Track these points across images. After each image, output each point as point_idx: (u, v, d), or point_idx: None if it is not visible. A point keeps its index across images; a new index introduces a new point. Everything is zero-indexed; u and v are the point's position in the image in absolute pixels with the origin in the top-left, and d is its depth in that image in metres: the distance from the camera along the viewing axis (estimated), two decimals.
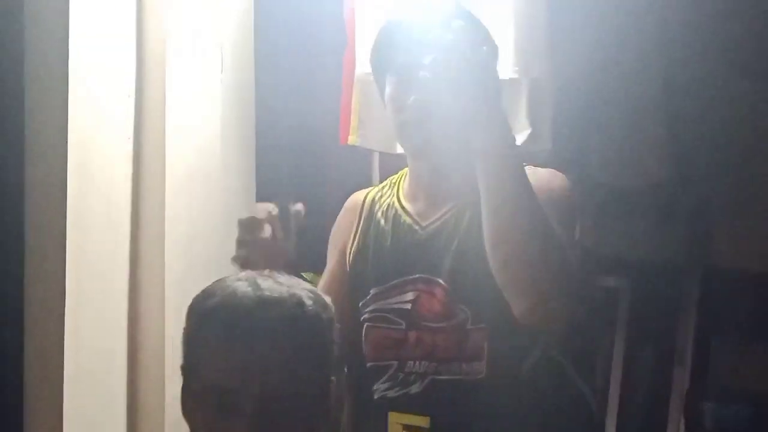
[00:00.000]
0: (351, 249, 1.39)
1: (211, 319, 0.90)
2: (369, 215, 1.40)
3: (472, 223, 1.26)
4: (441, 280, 1.25)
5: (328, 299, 0.98)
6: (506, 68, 1.81)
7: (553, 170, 1.34)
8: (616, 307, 2.78)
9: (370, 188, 1.48)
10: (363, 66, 1.83)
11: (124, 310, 1.61)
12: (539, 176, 1.27)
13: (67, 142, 1.62)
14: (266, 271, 0.95)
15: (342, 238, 1.42)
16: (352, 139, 1.94)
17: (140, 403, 1.59)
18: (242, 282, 0.91)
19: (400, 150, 1.64)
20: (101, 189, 1.63)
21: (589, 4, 2.40)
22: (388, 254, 1.32)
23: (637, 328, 2.76)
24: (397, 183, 1.43)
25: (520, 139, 1.88)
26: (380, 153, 2.06)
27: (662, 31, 2.58)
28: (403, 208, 1.35)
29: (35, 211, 1.65)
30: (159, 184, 1.62)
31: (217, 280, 0.96)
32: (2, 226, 1.74)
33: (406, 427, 1.28)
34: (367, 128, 1.92)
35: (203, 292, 0.94)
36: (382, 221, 1.36)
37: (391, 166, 1.85)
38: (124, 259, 1.61)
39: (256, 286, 0.89)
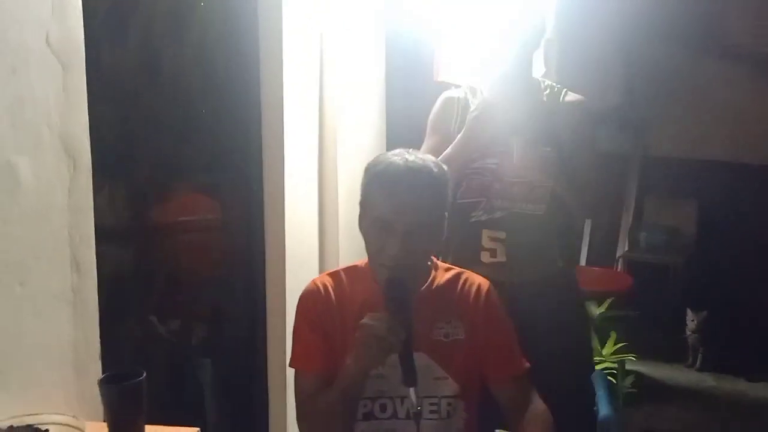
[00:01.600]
0: (455, 129, 1.84)
1: (380, 177, 1.36)
2: (465, 108, 1.86)
3: (540, 117, 1.77)
4: (519, 150, 1.72)
5: (444, 167, 1.42)
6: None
7: (581, 97, 1.86)
8: None
9: (457, 89, 1.91)
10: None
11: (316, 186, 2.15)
12: (573, 99, 1.84)
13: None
14: (410, 150, 1.40)
15: (445, 121, 1.88)
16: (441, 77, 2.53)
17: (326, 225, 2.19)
18: (396, 156, 1.37)
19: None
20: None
21: None
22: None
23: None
24: (478, 89, 1.88)
25: (538, 74, 2.40)
26: None
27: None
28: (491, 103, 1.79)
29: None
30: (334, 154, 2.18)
31: (380, 154, 1.42)
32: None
33: (491, 237, 1.81)
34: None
35: (373, 160, 1.40)
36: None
37: None
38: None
39: (404, 158, 1.35)
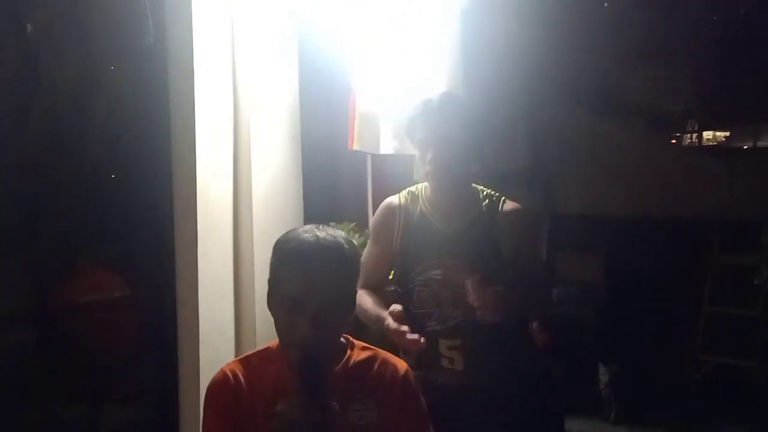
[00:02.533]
0: (398, 238, 1.90)
1: (290, 255, 1.32)
2: (407, 216, 1.91)
3: (480, 228, 1.84)
4: (459, 263, 1.78)
5: (354, 244, 1.40)
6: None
7: (518, 205, 1.89)
8: None
9: (397, 195, 1.95)
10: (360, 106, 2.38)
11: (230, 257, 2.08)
12: (512, 208, 1.88)
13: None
14: (321, 226, 1.36)
15: (387, 229, 1.92)
16: (356, 146, 2.45)
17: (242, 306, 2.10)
18: (307, 233, 1.33)
19: (383, 152, 2.30)
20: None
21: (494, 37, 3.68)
22: (425, 244, 1.85)
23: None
24: (419, 195, 1.93)
25: None
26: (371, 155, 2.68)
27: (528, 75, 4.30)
28: (431, 215, 1.89)
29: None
30: (248, 192, 2.11)
31: (290, 230, 1.38)
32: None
33: (448, 346, 1.83)
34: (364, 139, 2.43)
35: (283, 237, 1.37)
36: (418, 220, 1.88)
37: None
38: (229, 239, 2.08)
39: (315, 235, 1.32)
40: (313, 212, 2.23)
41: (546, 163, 4.59)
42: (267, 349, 1.43)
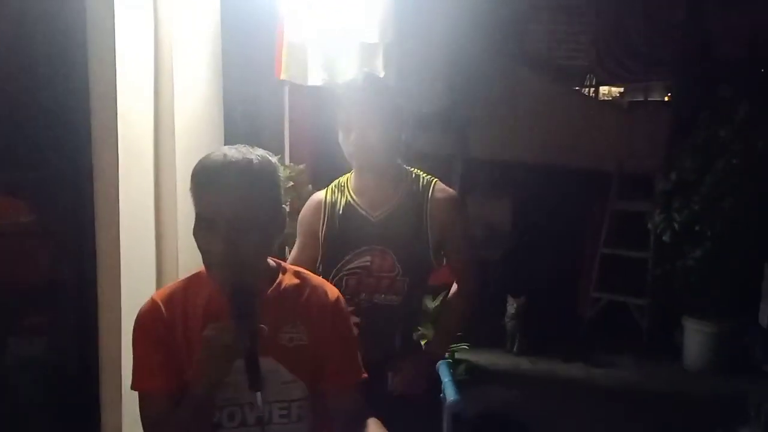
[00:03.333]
0: (323, 231, 1.90)
1: (198, 175, 1.29)
2: (332, 208, 1.91)
3: (406, 213, 1.85)
4: (387, 249, 1.84)
5: (274, 158, 1.35)
6: (371, 35, 2.44)
7: (451, 191, 1.91)
8: None
9: (324, 189, 1.96)
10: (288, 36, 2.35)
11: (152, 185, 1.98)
12: (444, 195, 1.88)
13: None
14: (238, 146, 1.31)
15: (311, 224, 1.93)
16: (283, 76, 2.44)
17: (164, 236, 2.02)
18: (216, 153, 1.31)
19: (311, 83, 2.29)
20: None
21: None
22: (352, 233, 1.87)
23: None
24: (345, 185, 1.94)
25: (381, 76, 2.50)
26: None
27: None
28: (357, 203, 1.89)
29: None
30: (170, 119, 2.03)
31: (206, 155, 1.32)
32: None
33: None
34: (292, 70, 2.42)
35: (197, 162, 1.32)
36: (343, 212, 1.89)
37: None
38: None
39: (223, 154, 1.29)
40: (233, 142, 2.16)
41: (460, 108, 4.69)
42: (197, 275, 1.41)
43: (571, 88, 5.48)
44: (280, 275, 1.43)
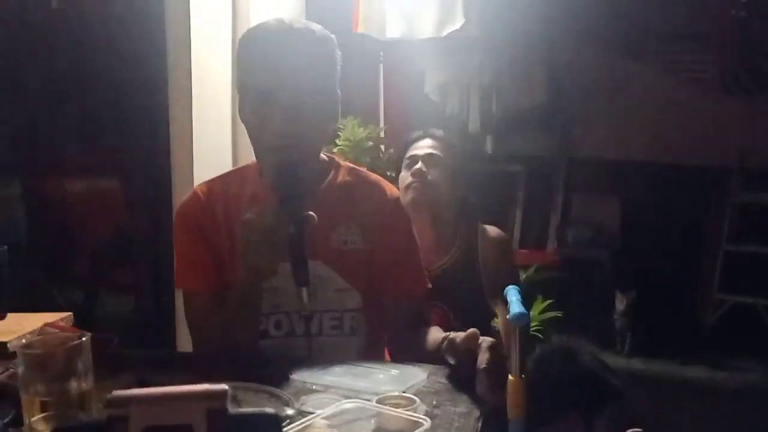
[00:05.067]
0: None
1: (252, 41, 1.17)
2: None
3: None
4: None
5: (332, 37, 1.21)
6: None
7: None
8: (517, 182, 4.54)
9: None
10: None
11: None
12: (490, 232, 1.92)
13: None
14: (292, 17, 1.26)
15: None
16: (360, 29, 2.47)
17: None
18: (271, 20, 1.18)
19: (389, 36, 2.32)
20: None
21: None
22: None
23: (530, 195, 4.51)
24: None
25: (459, 25, 2.41)
26: None
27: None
28: None
29: None
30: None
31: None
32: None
33: None
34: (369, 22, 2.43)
35: (248, 30, 1.21)
36: None
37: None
38: None
39: (280, 20, 1.17)
40: None
41: (564, 105, 4.46)
42: (242, 167, 1.35)
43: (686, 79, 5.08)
44: (333, 171, 1.31)
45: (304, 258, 1.06)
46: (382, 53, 2.70)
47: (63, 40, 2.05)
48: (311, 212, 1.07)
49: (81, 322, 1.74)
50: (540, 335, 2.49)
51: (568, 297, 3.39)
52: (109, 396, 0.53)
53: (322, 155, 1.32)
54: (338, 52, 1.23)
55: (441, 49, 3.28)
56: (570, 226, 4.42)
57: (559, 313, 2.74)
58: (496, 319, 2.68)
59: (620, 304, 3.68)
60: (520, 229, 4.53)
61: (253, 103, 1.18)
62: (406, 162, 1.91)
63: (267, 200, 1.14)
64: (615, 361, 3.63)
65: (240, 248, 1.12)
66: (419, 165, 1.85)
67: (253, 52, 1.17)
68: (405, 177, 1.88)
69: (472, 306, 1.81)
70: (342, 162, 1.35)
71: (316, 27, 1.19)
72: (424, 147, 1.90)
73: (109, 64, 2.12)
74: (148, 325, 2.24)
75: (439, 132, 1.96)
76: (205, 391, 0.51)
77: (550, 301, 2.70)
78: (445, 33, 2.27)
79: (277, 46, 1.15)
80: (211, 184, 1.32)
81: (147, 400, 0.52)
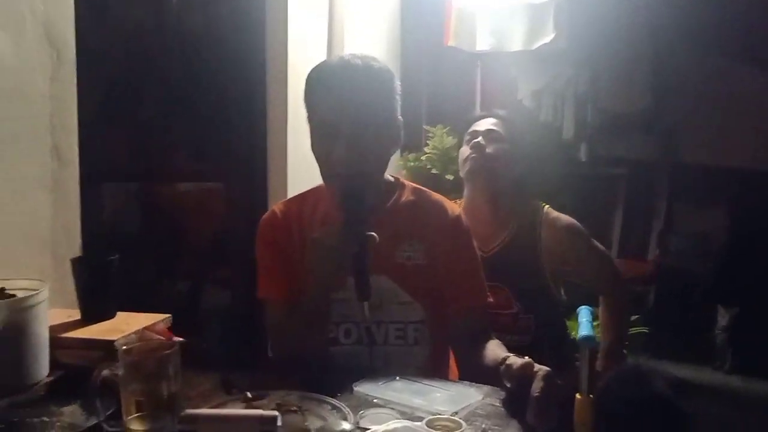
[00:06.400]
0: None
1: (315, 78, 1.29)
2: None
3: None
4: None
5: (391, 71, 1.32)
6: None
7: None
8: (617, 187, 4.40)
9: None
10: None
11: None
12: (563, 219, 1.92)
13: None
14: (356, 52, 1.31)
15: None
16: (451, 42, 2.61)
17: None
18: (335, 58, 1.32)
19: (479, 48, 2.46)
20: None
21: None
22: None
23: (631, 201, 4.37)
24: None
25: (549, 38, 2.53)
26: None
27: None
28: None
29: None
30: None
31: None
32: None
33: None
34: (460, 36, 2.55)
35: (312, 70, 1.33)
36: None
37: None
38: None
39: (341, 58, 1.29)
40: (411, 111, 2.25)
41: (668, 110, 4.29)
42: (316, 188, 1.44)
43: None
44: (398, 191, 1.41)
45: (366, 275, 1.17)
46: (479, 62, 2.73)
47: (176, 60, 2.21)
48: (373, 233, 1.18)
49: (183, 314, 1.95)
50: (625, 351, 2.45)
51: (666, 309, 3.30)
52: (182, 413, 0.63)
53: (388, 176, 1.42)
54: (397, 83, 1.32)
55: (535, 59, 3.25)
56: (673, 234, 4.26)
57: (645, 329, 2.68)
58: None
59: (722, 318, 3.53)
60: (619, 237, 4.38)
61: (320, 135, 1.29)
62: (466, 138, 1.94)
63: (335, 220, 1.25)
64: (713, 377, 3.50)
65: (308, 264, 1.24)
66: (479, 139, 1.88)
67: (317, 89, 1.29)
68: (464, 151, 1.92)
69: (533, 289, 1.81)
70: (407, 182, 1.45)
71: (375, 62, 1.29)
72: (485, 124, 1.93)
73: (213, 78, 2.28)
74: (244, 316, 2.38)
75: (502, 111, 2.00)
76: (260, 416, 0.60)
77: (636, 316, 2.63)
78: (535, 46, 2.32)
79: (338, 82, 1.25)
80: (288, 203, 1.45)
81: (212, 420, 0.62)
